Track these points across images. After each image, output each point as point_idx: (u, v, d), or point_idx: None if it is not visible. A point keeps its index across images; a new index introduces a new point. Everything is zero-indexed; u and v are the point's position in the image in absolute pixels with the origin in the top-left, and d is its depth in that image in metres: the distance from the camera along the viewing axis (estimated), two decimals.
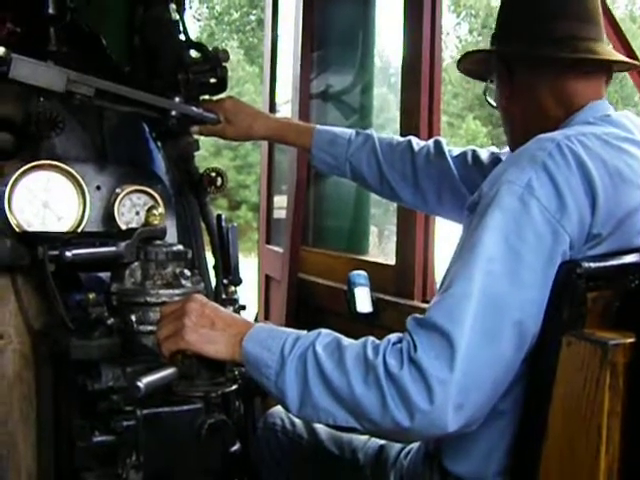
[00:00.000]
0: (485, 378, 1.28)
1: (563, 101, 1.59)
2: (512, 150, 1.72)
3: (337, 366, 1.32)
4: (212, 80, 2.09)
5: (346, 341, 1.37)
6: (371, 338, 1.35)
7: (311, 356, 1.35)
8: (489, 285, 1.29)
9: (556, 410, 1.31)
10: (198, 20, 23.86)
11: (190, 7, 23.42)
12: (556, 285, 1.32)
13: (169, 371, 1.46)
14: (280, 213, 4.10)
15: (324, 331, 1.40)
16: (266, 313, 4.05)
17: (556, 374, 1.31)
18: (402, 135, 2.65)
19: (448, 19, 22.57)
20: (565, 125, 1.55)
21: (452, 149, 2.06)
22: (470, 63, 1.80)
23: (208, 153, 15.20)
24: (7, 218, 1.83)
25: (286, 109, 3.96)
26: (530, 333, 1.32)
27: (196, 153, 2.12)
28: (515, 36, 1.63)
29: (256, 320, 4.01)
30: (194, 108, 2.03)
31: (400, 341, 1.31)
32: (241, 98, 2.25)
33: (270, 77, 4.22)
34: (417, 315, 1.33)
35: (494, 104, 1.75)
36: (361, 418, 1.32)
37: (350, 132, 2.15)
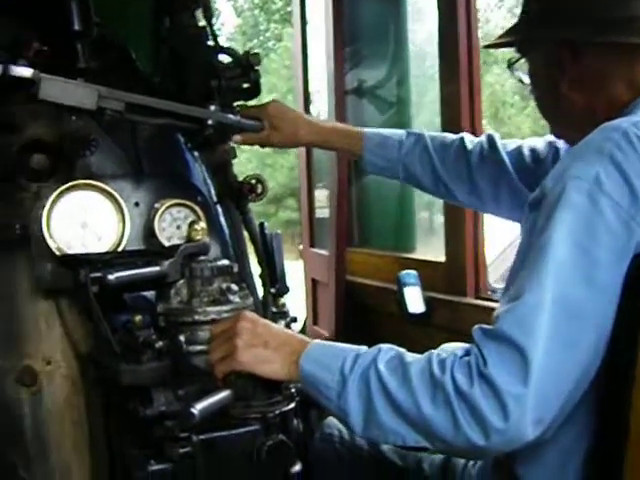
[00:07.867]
0: (563, 388, 1.21)
1: (633, 86, 1.48)
2: (567, 139, 1.64)
3: (402, 384, 1.26)
4: (245, 85, 2.02)
5: (409, 356, 1.31)
6: (435, 352, 1.29)
7: (374, 375, 1.29)
8: (563, 292, 1.21)
9: (638, 412, 1.23)
10: (239, 15, 24.07)
11: None
12: (630, 279, 1.24)
13: (224, 394, 1.42)
14: (322, 212, 4.04)
15: (384, 347, 1.34)
16: (314, 317, 4.01)
17: (635, 372, 1.23)
18: (444, 127, 2.60)
19: None
20: (629, 111, 1.44)
21: (506, 143, 1.97)
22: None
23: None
24: (46, 242, 1.78)
25: (317, 98, 3.92)
26: (608, 334, 1.24)
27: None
28: (579, 19, 1.49)
29: (304, 326, 3.97)
30: (231, 116, 1.96)
31: (467, 354, 1.24)
32: None
33: (303, 73, 4.19)
34: (484, 325, 1.25)
35: (527, 82, 1.64)
36: (432, 438, 1.26)
37: (401, 133, 2.07)
